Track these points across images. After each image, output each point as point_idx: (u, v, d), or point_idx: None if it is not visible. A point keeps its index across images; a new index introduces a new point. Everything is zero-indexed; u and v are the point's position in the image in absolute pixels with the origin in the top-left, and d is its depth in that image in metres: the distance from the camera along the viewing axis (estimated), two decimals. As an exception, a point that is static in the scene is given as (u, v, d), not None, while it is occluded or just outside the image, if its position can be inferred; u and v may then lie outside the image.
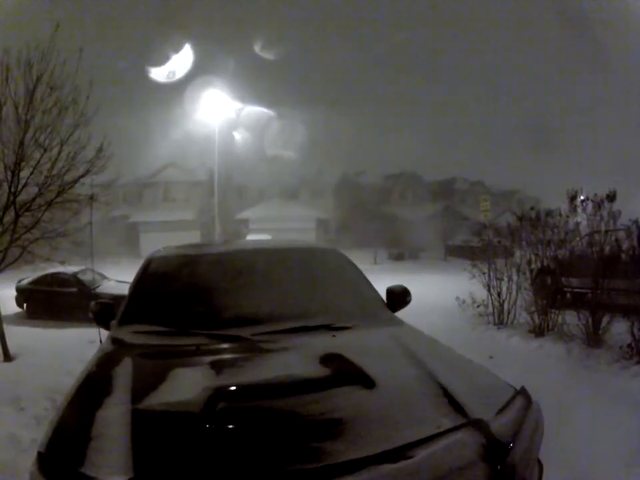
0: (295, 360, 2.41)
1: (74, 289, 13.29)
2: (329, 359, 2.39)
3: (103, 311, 3.59)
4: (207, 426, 1.85)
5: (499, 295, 9.54)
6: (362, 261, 27.41)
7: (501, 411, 2.03)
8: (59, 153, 8.32)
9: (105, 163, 8.78)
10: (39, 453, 1.87)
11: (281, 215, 36.51)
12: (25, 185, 8.20)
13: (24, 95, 7.86)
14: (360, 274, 3.84)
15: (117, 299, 3.82)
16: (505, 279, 9.39)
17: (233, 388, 2.15)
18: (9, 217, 8.13)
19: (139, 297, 3.48)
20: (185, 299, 3.32)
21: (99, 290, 13.09)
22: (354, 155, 49.38)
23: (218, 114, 27.79)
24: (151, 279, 3.65)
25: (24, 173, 8.16)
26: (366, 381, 2.13)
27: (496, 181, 47.57)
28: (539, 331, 8.28)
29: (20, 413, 5.10)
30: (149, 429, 1.90)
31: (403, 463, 1.62)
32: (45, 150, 8.23)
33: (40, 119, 8.05)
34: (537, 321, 8.39)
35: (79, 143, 8.49)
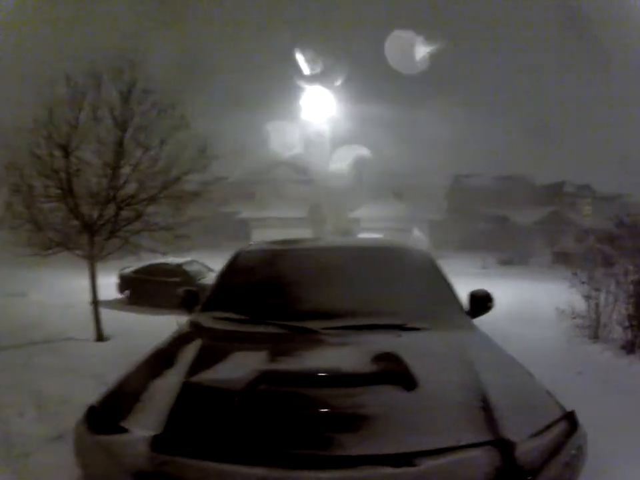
0: (350, 355, 2.43)
1: (177, 279, 13.58)
2: (381, 358, 2.38)
3: (189, 297, 3.80)
4: (237, 400, 2.02)
5: (596, 306, 8.79)
6: (470, 264, 26.58)
7: (537, 433, 1.87)
8: (160, 152, 8.81)
9: (207, 162, 9.21)
10: (90, 406, 2.20)
11: (392, 215, 36.09)
12: (125, 181, 8.74)
13: (119, 99, 8.41)
14: (442, 275, 3.71)
15: None
16: (604, 290, 8.62)
17: (277, 373, 2.27)
18: (110, 210, 8.69)
19: (223, 286, 3.71)
20: (264, 290, 3.48)
21: (203, 281, 13.30)
22: (465, 155, 47.71)
23: (329, 112, 28.08)
24: (236, 270, 3.85)
25: (124, 170, 8.67)
26: (407, 383, 2.10)
27: (605, 185, 44.22)
28: (630, 348, 7.56)
29: (100, 386, 5.38)
30: (191, 399, 2.13)
31: (403, 469, 1.61)
32: (147, 149, 8.73)
33: (138, 121, 8.57)
34: (629, 336, 7.68)
35: (180, 143, 8.94)
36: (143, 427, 1.92)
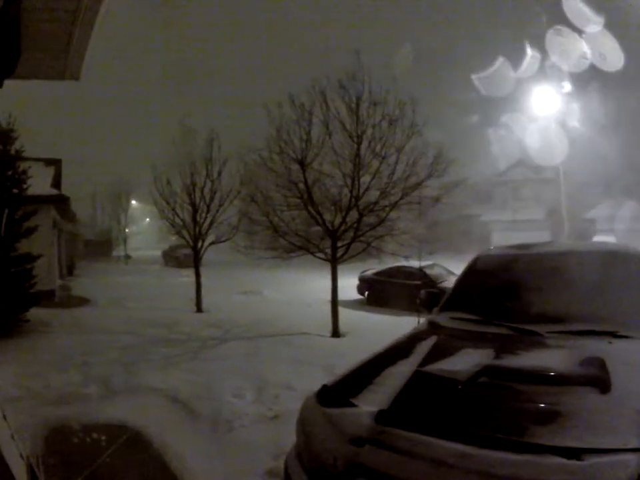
0: (562, 357, 2.48)
1: (418, 282, 13.19)
2: (588, 362, 2.40)
3: (430, 298, 3.99)
4: (459, 389, 2.17)
5: None
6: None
7: None
8: (397, 161, 8.68)
9: (445, 167, 8.90)
10: (323, 385, 2.50)
11: (626, 215, 31.23)
12: (366, 189, 8.77)
13: (348, 113, 8.44)
14: None
15: None
16: None
17: (497, 369, 2.37)
18: (351, 216, 8.81)
19: (461, 288, 3.81)
20: (497, 293, 3.53)
21: (443, 284, 12.71)
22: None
23: (556, 107, 25.06)
24: (474, 273, 3.91)
25: (364, 179, 8.68)
26: (604, 387, 2.11)
27: None
28: None
29: (328, 376, 5.38)
30: (419, 384, 2.32)
31: (572, 462, 1.66)
32: (384, 158, 8.67)
33: (371, 132, 8.53)
34: None
35: (416, 150, 8.75)
36: (370, 404, 2.14)
